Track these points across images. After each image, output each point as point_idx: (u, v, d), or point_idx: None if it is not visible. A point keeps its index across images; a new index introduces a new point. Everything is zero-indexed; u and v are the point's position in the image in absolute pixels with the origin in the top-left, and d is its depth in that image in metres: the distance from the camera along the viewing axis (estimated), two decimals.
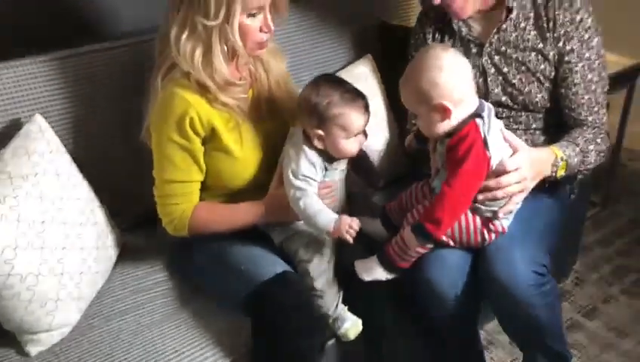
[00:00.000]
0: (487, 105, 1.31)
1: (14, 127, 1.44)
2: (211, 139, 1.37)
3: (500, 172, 1.27)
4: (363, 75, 1.81)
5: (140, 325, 1.39)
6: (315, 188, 1.34)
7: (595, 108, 1.47)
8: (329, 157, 1.37)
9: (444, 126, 1.27)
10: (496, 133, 1.29)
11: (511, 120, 1.54)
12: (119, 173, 1.61)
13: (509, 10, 1.45)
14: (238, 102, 1.37)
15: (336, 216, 1.31)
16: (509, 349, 1.85)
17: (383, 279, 1.37)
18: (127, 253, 1.60)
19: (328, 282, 1.38)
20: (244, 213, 1.42)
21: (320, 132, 1.33)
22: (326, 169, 1.37)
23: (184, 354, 1.32)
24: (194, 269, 1.49)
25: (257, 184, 1.44)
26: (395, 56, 1.72)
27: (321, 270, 1.37)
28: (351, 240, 1.30)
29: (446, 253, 1.37)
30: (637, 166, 2.72)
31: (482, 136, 1.25)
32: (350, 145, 1.35)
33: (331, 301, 1.38)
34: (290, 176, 1.34)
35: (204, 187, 1.43)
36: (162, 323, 1.39)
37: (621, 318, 1.96)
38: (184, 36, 1.28)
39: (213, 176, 1.42)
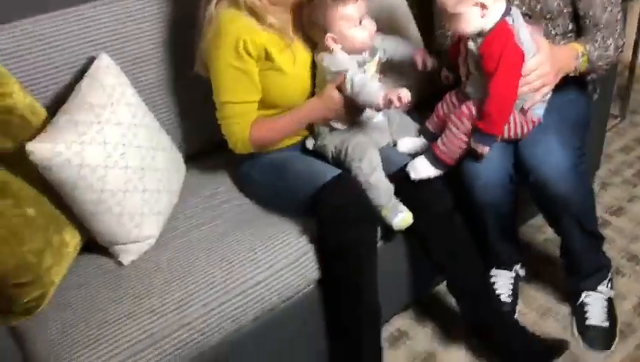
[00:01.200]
0: (513, 7, 1.43)
1: (80, 64, 1.58)
2: (265, 60, 1.48)
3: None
4: None
5: (216, 233, 1.54)
6: (359, 72, 1.46)
7: (609, 8, 1.57)
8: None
9: (481, 22, 1.38)
10: (524, 31, 1.41)
11: None
12: (179, 105, 1.75)
13: None
14: (284, 23, 1.48)
15: (381, 85, 1.44)
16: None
17: (432, 176, 1.52)
18: (193, 177, 1.75)
19: (381, 177, 1.51)
20: (294, 113, 1.55)
21: (330, 34, 1.47)
22: (359, 66, 1.49)
23: (259, 251, 1.47)
24: (258, 184, 1.63)
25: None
26: None
27: (372, 166, 1.50)
28: (398, 104, 1.37)
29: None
30: None
31: (515, 32, 1.37)
32: (360, 32, 1.48)
33: (384, 194, 1.51)
34: (336, 73, 1.47)
35: (258, 106, 1.54)
36: (235, 231, 1.54)
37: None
38: None
39: (268, 94, 1.53)
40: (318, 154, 1.62)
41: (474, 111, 1.45)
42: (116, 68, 1.57)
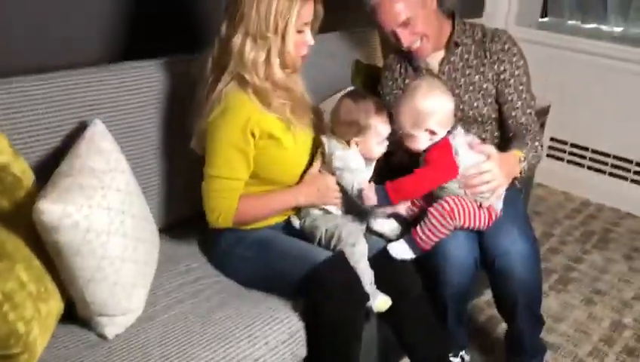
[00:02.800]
0: (458, 127, 1.66)
1: (70, 128, 1.56)
2: (269, 140, 1.55)
3: (476, 174, 1.61)
4: None
5: (202, 309, 1.52)
6: (361, 176, 1.59)
7: (529, 111, 1.87)
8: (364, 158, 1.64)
9: (429, 143, 1.60)
10: (463, 148, 1.62)
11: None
12: (155, 178, 1.75)
13: (456, 46, 1.87)
14: (287, 106, 1.56)
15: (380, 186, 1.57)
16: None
17: (408, 258, 1.65)
18: (165, 251, 1.71)
19: (367, 263, 1.59)
20: (283, 195, 1.62)
21: (358, 139, 1.60)
22: (366, 165, 1.63)
23: (254, 329, 1.46)
24: (241, 262, 1.64)
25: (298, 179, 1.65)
26: (369, 89, 2.09)
27: (363, 253, 1.58)
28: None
29: (460, 233, 1.68)
30: (538, 192, 3.29)
31: (453, 147, 1.60)
32: (380, 148, 1.64)
33: (367, 279, 1.58)
34: (347, 173, 1.58)
35: (253, 180, 1.59)
36: (222, 308, 1.52)
37: (551, 309, 2.35)
38: (248, 46, 1.48)
39: (266, 169, 1.59)
40: (300, 233, 1.67)
41: (455, 210, 1.62)
42: (109, 134, 1.56)
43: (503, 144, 1.86)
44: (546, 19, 3.43)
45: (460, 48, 1.88)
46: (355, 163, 1.60)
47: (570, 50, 3.10)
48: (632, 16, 3.16)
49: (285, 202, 1.64)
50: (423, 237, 1.64)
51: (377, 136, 1.61)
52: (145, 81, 1.69)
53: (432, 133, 1.59)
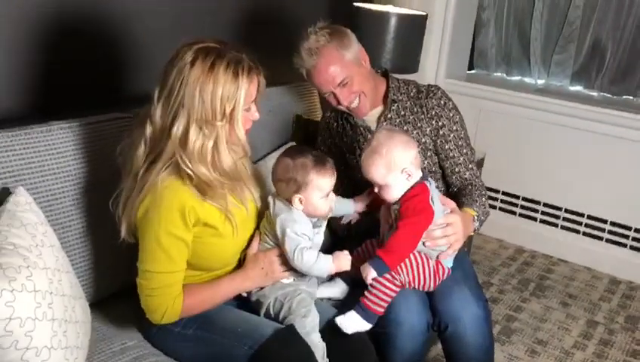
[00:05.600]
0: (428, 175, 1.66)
1: None
2: (205, 228, 1.44)
3: (442, 224, 1.58)
4: None
5: None
6: (309, 242, 1.50)
7: (470, 166, 1.89)
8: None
9: (405, 187, 1.56)
10: (436, 195, 1.62)
11: None
12: (85, 249, 1.60)
13: (393, 102, 1.87)
14: (228, 193, 1.45)
15: (329, 255, 1.49)
16: None
17: (364, 329, 1.55)
18: (98, 329, 1.56)
19: (318, 335, 1.50)
20: (229, 284, 1.52)
21: (300, 196, 1.50)
22: (313, 226, 1.54)
23: None
24: (180, 340, 1.50)
25: (239, 260, 1.56)
26: (310, 142, 2.07)
27: (314, 324, 1.50)
28: (349, 268, 1.50)
29: (409, 295, 1.62)
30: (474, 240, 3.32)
31: (430, 193, 1.57)
32: (325, 204, 1.53)
33: (320, 352, 1.49)
34: (292, 235, 1.48)
35: (188, 269, 1.47)
36: None
37: None
38: (192, 134, 1.35)
39: (203, 260, 1.48)
40: (242, 304, 1.58)
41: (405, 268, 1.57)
42: (35, 204, 1.40)
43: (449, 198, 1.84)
44: (472, 71, 3.54)
45: (396, 105, 1.88)
46: (300, 225, 1.50)
47: (496, 102, 3.20)
48: (553, 70, 3.31)
49: (232, 291, 1.53)
50: (373, 299, 1.56)
51: (319, 191, 1.51)
52: (71, 143, 1.56)
53: (408, 175, 1.55)
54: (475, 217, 1.73)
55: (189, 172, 1.38)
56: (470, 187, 1.86)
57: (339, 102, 1.79)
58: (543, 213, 3.22)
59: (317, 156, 1.53)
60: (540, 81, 3.37)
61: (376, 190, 1.60)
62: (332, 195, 1.55)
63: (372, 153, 1.57)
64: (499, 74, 3.48)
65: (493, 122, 3.21)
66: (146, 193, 1.38)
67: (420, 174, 1.59)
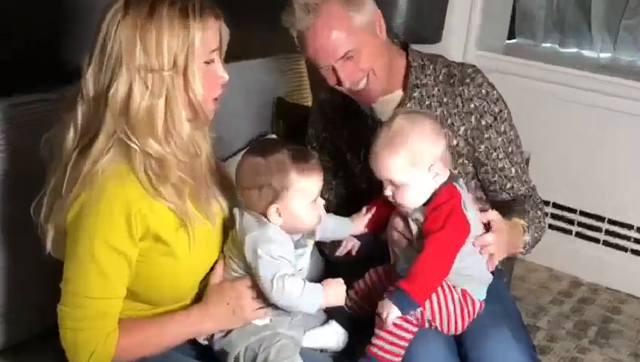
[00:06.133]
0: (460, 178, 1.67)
1: None
2: (154, 243, 1.44)
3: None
4: None
5: None
6: (291, 267, 1.49)
7: (524, 178, 1.90)
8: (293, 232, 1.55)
9: (430, 190, 1.58)
10: (469, 200, 1.63)
11: None
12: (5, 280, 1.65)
13: (414, 88, 1.86)
14: (187, 187, 1.46)
15: (319, 284, 1.49)
16: None
17: None
18: None
19: None
20: (182, 322, 1.51)
21: (276, 206, 1.49)
22: (296, 247, 1.53)
23: None
24: None
25: (198, 294, 1.55)
26: (297, 134, 2.08)
27: None
28: (343, 301, 1.52)
29: (431, 338, 1.63)
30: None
31: (462, 198, 1.59)
32: (312, 213, 1.53)
33: None
34: (267, 259, 1.46)
35: (127, 299, 1.48)
36: None
37: None
38: (136, 92, 1.37)
39: (150, 288, 1.49)
40: (201, 354, 1.59)
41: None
42: None
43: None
44: (514, 40, 3.56)
45: (418, 91, 1.87)
46: (277, 245, 1.49)
47: (544, 82, 3.22)
48: (622, 40, 3.31)
49: (186, 332, 1.54)
50: (384, 345, 1.58)
51: (303, 196, 1.51)
52: None
53: (436, 173, 1.57)
54: (526, 227, 1.76)
55: (136, 147, 1.39)
56: (524, 198, 1.88)
57: (339, 82, 1.76)
58: (607, 232, 3.24)
59: (295, 150, 1.53)
60: (605, 55, 3.37)
61: (387, 193, 1.61)
62: (320, 200, 1.56)
63: (390, 141, 1.58)
64: (549, 44, 3.49)
65: (542, 110, 3.23)
66: (80, 188, 1.39)
67: (448, 174, 1.61)
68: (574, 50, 3.48)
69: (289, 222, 1.52)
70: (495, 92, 1.87)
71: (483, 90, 1.85)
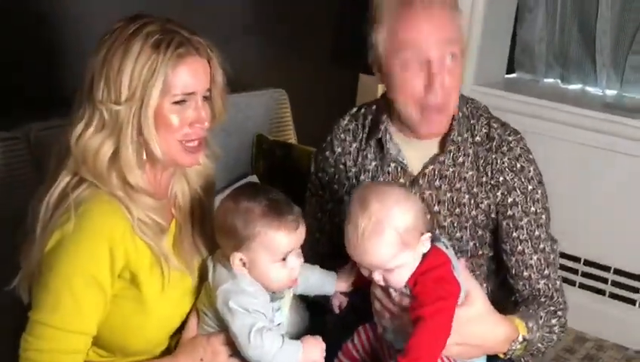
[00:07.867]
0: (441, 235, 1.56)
1: None
2: (129, 286, 1.45)
3: None
4: None
5: None
6: (268, 321, 1.47)
7: (546, 272, 1.70)
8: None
9: (418, 260, 1.46)
10: (456, 261, 1.51)
11: None
12: None
13: (451, 144, 1.66)
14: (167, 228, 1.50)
15: (298, 341, 1.46)
16: None
17: None
18: None
19: None
20: None
21: (240, 255, 1.47)
22: (272, 300, 1.50)
23: None
24: None
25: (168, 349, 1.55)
26: (278, 174, 2.04)
27: None
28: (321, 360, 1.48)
29: None
30: None
31: (450, 259, 1.48)
32: (280, 273, 1.48)
33: None
34: (241, 312, 1.44)
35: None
36: None
37: None
38: (90, 131, 1.40)
39: (117, 334, 1.48)
40: None
41: None
42: None
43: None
44: (513, 75, 3.53)
45: (454, 147, 1.67)
46: (251, 298, 1.46)
47: (546, 120, 3.16)
48: (628, 77, 3.26)
49: None
50: None
51: (268, 252, 1.47)
52: None
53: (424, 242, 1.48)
54: (520, 339, 1.56)
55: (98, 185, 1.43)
56: (539, 297, 1.70)
57: (431, 88, 1.55)
58: (614, 283, 3.19)
59: (274, 201, 1.49)
60: (610, 92, 3.34)
61: (376, 278, 1.50)
62: (296, 262, 1.51)
63: (374, 229, 1.45)
64: (551, 80, 3.48)
65: (543, 150, 3.03)
66: (65, 212, 1.39)
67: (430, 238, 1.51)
68: (578, 86, 3.47)
69: (255, 277, 1.51)
70: (532, 167, 1.71)
71: (518, 164, 1.68)
